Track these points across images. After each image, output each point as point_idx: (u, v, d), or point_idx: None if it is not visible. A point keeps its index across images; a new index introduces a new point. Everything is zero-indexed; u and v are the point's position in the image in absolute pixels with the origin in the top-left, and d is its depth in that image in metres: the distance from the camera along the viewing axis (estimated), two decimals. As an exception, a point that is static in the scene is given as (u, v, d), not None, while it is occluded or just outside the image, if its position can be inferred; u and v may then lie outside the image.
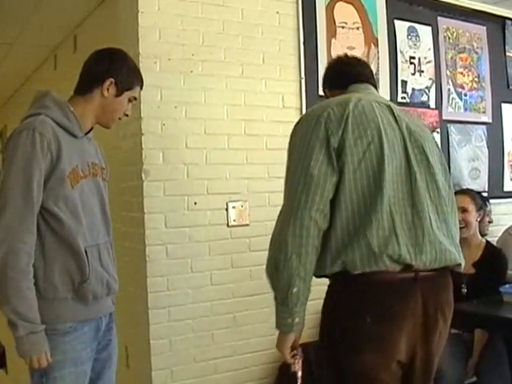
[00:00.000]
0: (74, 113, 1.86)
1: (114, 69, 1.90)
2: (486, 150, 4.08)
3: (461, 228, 2.80)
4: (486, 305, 2.57)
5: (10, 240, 1.68)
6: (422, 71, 3.77)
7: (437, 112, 3.82)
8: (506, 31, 4.24)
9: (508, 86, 4.25)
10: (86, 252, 1.79)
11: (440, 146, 3.77)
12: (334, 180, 1.64)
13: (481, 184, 4.01)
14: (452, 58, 3.95)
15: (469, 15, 4.04)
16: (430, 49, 3.82)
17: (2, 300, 1.68)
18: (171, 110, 2.81)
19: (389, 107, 1.82)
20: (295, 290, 1.63)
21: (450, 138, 3.87)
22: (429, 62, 3.81)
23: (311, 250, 1.63)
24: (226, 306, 2.93)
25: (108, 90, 1.90)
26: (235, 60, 3.00)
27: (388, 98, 3.54)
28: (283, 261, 1.62)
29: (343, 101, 1.75)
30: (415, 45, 3.74)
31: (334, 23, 3.38)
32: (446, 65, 3.91)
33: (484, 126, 4.10)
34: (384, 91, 3.53)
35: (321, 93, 3.25)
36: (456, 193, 3.14)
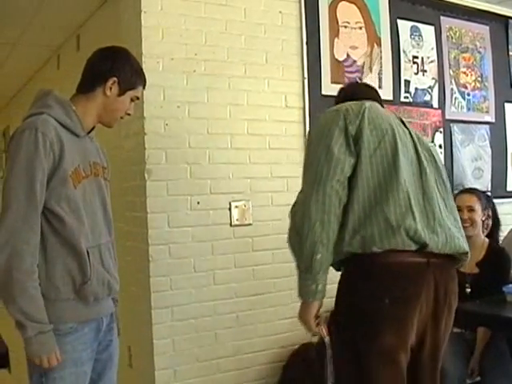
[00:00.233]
0: (76, 112, 1.85)
1: (117, 68, 1.89)
2: (489, 150, 4.07)
3: (467, 226, 2.83)
4: (489, 304, 2.56)
5: (13, 241, 1.67)
6: (425, 71, 3.76)
7: (440, 112, 3.82)
8: (510, 31, 4.23)
9: (511, 86, 4.23)
10: (87, 253, 1.78)
11: (443, 145, 3.80)
12: (351, 161, 1.76)
13: (484, 184, 4.00)
14: (455, 57, 3.95)
15: (472, 15, 4.03)
16: (433, 48, 3.81)
17: (9, 301, 1.67)
18: (174, 109, 2.81)
19: (398, 117, 1.98)
20: (319, 256, 1.73)
21: (452, 137, 3.87)
22: (432, 61, 3.81)
23: (333, 218, 1.73)
24: (229, 306, 2.93)
25: (111, 89, 1.88)
26: (238, 60, 3.00)
27: (391, 98, 3.55)
28: (307, 228, 1.73)
29: (359, 102, 1.90)
30: (418, 44, 3.74)
31: (337, 23, 3.37)
32: (449, 64, 3.91)
33: (487, 126, 4.09)
34: (387, 91, 3.52)
35: (324, 92, 3.28)
36: (463, 192, 3.17)
